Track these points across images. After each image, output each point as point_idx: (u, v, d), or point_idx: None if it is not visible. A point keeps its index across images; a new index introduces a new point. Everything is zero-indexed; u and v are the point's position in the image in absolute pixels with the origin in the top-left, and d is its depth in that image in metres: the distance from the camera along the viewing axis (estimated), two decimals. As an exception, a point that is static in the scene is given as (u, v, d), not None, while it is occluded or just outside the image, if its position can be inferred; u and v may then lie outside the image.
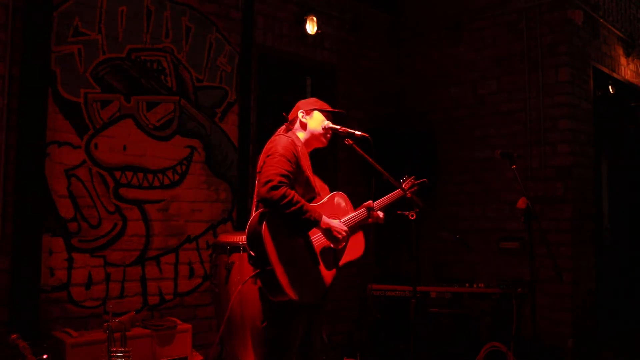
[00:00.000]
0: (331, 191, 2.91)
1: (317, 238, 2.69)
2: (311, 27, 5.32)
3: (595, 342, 5.29)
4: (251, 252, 2.56)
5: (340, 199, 2.88)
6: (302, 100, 2.94)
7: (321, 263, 2.69)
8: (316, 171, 2.95)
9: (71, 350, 3.41)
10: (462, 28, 5.78)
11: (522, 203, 3.79)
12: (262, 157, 2.70)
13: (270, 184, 2.48)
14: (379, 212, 2.90)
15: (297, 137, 2.81)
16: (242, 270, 3.72)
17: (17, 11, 3.72)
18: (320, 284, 2.67)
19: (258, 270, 2.55)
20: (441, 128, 5.88)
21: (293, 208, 2.49)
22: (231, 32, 4.86)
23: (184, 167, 4.51)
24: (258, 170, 2.69)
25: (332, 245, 2.71)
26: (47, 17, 3.83)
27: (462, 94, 5.78)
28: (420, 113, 6.07)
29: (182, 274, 4.46)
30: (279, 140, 2.68)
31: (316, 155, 2.96)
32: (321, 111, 2.87)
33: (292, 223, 2.56)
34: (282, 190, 2.47)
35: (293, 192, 2.53)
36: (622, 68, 6.26)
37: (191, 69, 4.59)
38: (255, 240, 2.52)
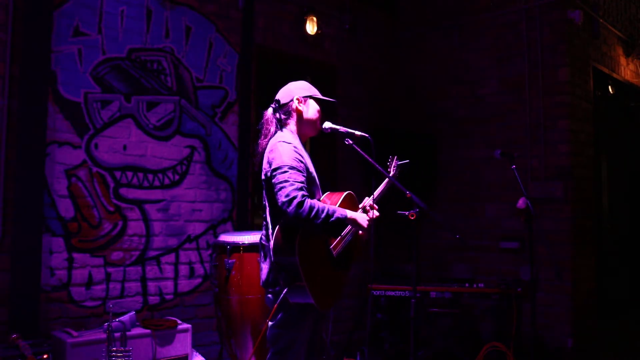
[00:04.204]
0: (324, 188, 2.93)
1: (334, 243, 2.71)
2: (311, 27, 5.33)
3: (595, 342, 5.30)
4: (277, 263, 2.58)
5: (352, 196, 2.90)
6: (294, 84, 2.88)
7: (340, 261, 2.72)
8: (315, 170, 2.96)
9: (71, 350, 3.41)
10: (462, 28, 5.78)
11: (522, 203, 3.80)
12: (264, 164, 2.68)
13: (295, 202, 2.46)
14: (372, 210, 2.84)
15: (293, 135, 2.76)
16: (243, 269, 3.73)
17: (17, 11, 3.72)
18: (339, 287, 2.72)
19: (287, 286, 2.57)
20: (441, 128, 5.89)
21: (322, 216, 2.50)
22: (231, 32, 4.86)
23: (184, 167, 4.51)
24: (263, 177, 2.69)
25: (349, 240, 2.74)
26: (47, 17, 3.83)
27: (462, 94, 5.78)
28: (420, 113, 6.08)
29: (182, 274, 4.47)
30: (280, 149, 2.63)
31: (316, 155, 2.96)
32: (316, 100, 2.84)
33: (323, 229, 2.55)
34: (307, 203, 2.48)
35: (313, 201, 2.53)
36: (622, 68, 6.26)
37: (191, 69, 4.59)
38: (285, 258, 2.54)
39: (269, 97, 5.41)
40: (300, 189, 2.51)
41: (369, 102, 6.02)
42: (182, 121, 4.52)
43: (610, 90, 6.12)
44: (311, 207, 2.47)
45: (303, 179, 2.57)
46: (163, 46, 4.44)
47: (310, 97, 2.82)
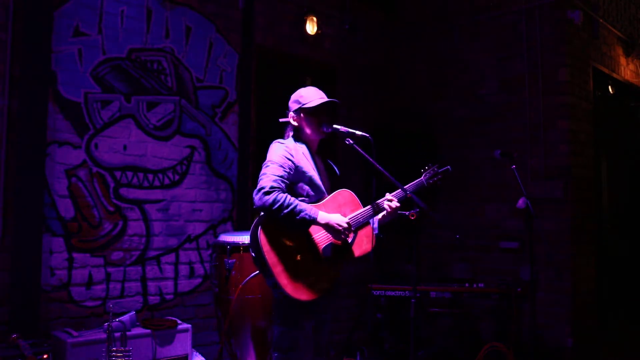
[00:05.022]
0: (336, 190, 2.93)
1: (320, 235, 2.72)
2: (311, 27, 5.33)
3: (595, 342, 5.30)
4: (252, 254, 2.66)
5: (345, 195, 2.89)
6: (295, 94, 2.94)
7: (324, 259, 2.72)
8: (327, 165, 2.97)
9: (71, 350, 3.41)
10: (462, 28, 5.78)
11: (522, 203, 3.80)
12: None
13: (262, 191, 2.58)
14: (390, 203, 2.84)
15: (294, 141, 2.86)
16: (243, 269, 3.73)
17: (17, 11, 3.72)
18: (322, 280, 2.70)
19: (257, 271, 2.60)
20: (441, 128, 5.89)
21: (286, 211, 2.57)
22: (231, 32, 4.86)
23: (184, 167, 4.51)
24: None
25: (335, 241, 2.73)
26: (47, 17, 3.83)
27: (462, 94, 5.78)
28: (420, 113, 6.08)
29: (182, 273, 4.47)
30: (272, 148, 2.79)
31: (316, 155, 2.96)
32: (309, 110, 2.86)
33: (289, 224, 2.61)
34: (273, 195, 2.57)
35: (285, 195, 2.60)
36: (622, 68, 6.26)
37: (191, 69, 4.59)
38: (253, 243, 2.64)
39: (269, 97, 5.45)
40: (273, 180, 2.62)
41: (369, 102, 6.02)
42: (182, 121, 4.52)
43: (610, 90, 6.12)
44: (275, 200, 2.56)
45: (283, 173, 2.67)
46: (163, 46, 4.44)
47: (300, 109, 2.87)
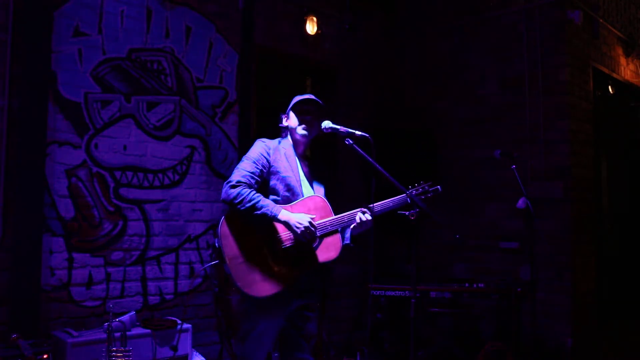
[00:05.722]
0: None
1: (285, 235, 2.75)
2: (311, 27, 5.33)
3: (595, 342, 5.30)
4: (216, 244, 2.78)
5: (316, 201, 2.87)
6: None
7: (285, 259, 2.73)
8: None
9: (71, 350, 3.41)
10: (462, 28, 5.78)
11: (522, 203, 3.80)
12: None
13: (229, 184, 2.70)
14: (362, 216, 2.81)
15: (285, 141, 2.95)
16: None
17: (17, 11, 3.72)
18: (281, 278, 2.70)
19: (214, 262, 2.71)
20: (441, 128, 5.88)
21: (248, 205, 2.65)
22: (231, 32, 4.86)
23: (184, 167, 4.51)
24: None
25: (299, 243, 2.74)
26: (47, 17, 3.83)
27: (462, 94, 5.78)
28: (420, 113, 6.08)
29: (182, 273, 4.47)
30: (254, 144, 2.88)
31: (316, 155, 2.97)
32: (294, 108, 2.94)
33: (251, 219, 2.68)
34: (238, 189, 2.67)
35: (250, 190, 2.68)
36: (622, 68, 6.26)
37: (191, 69, 4.59)
38: (217, 240, 2.76)
39: (269, 97, 5.44)
40: (242, 175, 2.72)
41: (369, 102, 6.02)
42: (182, 121, 4.52)
43: (610, 90, 6.11)
44: (239, 194, 2.66)
45: (254, 170, 2.76)
46: (163, 46, 4.44)
47: (290, 109, 2.97)
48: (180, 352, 3.87)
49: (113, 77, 4.17)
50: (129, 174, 4.23)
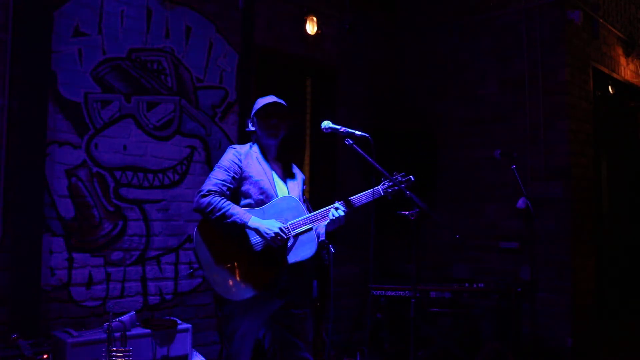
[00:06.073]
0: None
1: (256, 238, 2.79)
2: (311, 27, 5.33)
3: (595, 342, 5.30)
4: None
5: (289, 202, 2.90)
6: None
7: (261, 260, 2.78)
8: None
9: (71, 350, 3.42)
10: (462, 28, 5.78)
11: (522, 203, 3.80)
12: None
13: (200, 194, 2.78)
14: (335, 212, 2.84)
15: (255, 145, 2.99)
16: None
17: (17, 11, 3.72)
18: (258, 280, 2.75)
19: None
20: (441, 128, 5.88)
21: (218, 214, 2.72)
22: (231, 32, 4.86)
23: (184, 167, 4.51)
24: None
25: (270, 245, 2.78)
26: (47, 17, 3.83)
27: (462, 94, 5.78)
28: (420, 113, 6.08)
29: (182, 273, 4.47)
30: (225, 152, 2.95)
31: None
32: (258, 113, 2.98)
33: (222, 227, 2.74)
34: (208, 198, 2.75)
35: (220, 199, 2.75)
36: (622, 68, 6.26)
37: (191, 69, 4.59)
38: (194, 246, 2.81)
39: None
40: (213, 184, 2.79)
41: (369, 102, 6.02)
42: (182, 121, 4.52)
43: (610, 90, 6.11)
44: (209, 203, 2.74)
45: (226, 177, 2.83)
46: (163, 46, 4.44)
47: (254, 114, 3.00)
48: (180, 352, 3.87)
49: (113, 77, 4.17)
50: (129, 174, 4.23)
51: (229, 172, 2.85)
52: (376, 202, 2.93)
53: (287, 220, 2.82)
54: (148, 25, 4.37)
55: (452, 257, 5.67)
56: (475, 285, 4.57)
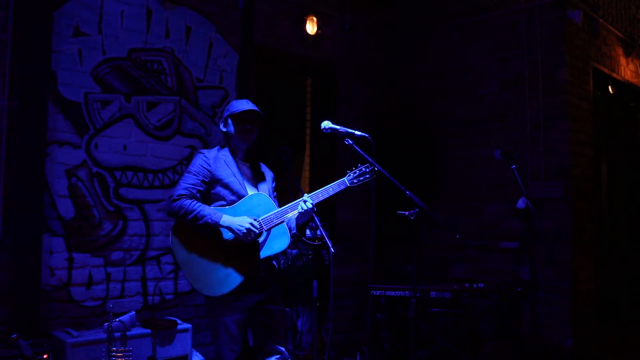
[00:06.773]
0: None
1: (230, 235, 2.86)
2: (311, 27, 5.33)
3: (595, 342, 5.30)
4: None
5: (259, 198, 3.00)
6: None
7: (234, 258, 2.86)
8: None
9: (71, 350, 3.41)
10: (462, 28, 5.78)
11: (522, 203, 3.80)
12: None
13: (171, 199, 2.87)
14: (303, 205, 2.94)
15: (225, 149, 3.08)
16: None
17: (17, 11, 3.72)
18: (234, 274, 2.84)
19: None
20: (441, 128, 5.88)
21: (190, 216, 2.82)
22: (231, 32, 4.86)
23: (184, 167, 4.51)
24: None
25: (242, 241, 2.86)
26: (47, 17, 3.83)
27: (462, 94, 5.78)
28: (420, 113, 6.08)
29: (182, 273, 4.46)
30: (193, 158, 3.04)
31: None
32: (233, 116, 3.06)
33: (197, 229, 2.84)
34: (179, 202, 2.84)
35: (191, 201, 2.84)
36: (622, 68, 6.26)
37: (191, 69, 4.59)
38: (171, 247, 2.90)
39: (269, 97, 5.44)
40: (183, 188, 2.89)
41: (369, 102, 6.02)
42: (182, 121, 4.52)
43: (610, 90, 6.11)
44: (180, 207, 2.83)
45: (195, 181, 2.92)
46: (163, 46, 4.44)
47: (229, 116, 3.08)
48: (180, 352, 3.87)
49: (113, 77, 4.17)
50: (129, 174, 4.23)
51: (198, 176, 2.94)
52: (376, 202, 2.94)
53: (258, 216, 2.90)
54: (148, 25, 4.37)
55: (452, 257, 5.67)
56: (475, 285, 4.57)
